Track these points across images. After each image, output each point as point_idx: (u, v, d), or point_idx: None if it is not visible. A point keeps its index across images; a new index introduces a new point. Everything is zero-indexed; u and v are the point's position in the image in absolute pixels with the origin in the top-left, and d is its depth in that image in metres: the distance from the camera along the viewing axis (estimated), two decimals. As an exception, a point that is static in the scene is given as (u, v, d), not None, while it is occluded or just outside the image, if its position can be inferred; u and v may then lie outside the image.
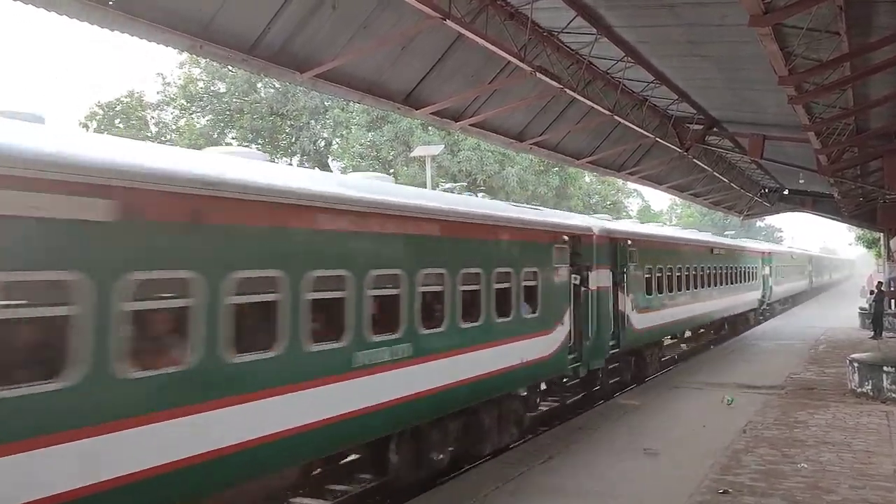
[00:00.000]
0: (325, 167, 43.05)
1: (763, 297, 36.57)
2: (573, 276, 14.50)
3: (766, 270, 37.27)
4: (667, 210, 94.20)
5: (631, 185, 60.35)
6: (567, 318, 14.12)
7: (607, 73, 17.29)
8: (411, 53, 14.37)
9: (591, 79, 16.93)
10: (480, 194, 19.15)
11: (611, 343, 16.57)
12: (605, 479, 9.95)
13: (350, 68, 13.56)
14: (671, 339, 23.90)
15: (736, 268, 29.83)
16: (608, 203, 59.23)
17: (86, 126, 41.35)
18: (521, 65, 14.06)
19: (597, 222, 17.21)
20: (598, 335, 15.71)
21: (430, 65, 15.03)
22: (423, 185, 29.51)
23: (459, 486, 10.20)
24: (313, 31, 12.30)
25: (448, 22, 11.62)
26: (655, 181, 30.65)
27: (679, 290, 21.41)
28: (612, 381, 17.66)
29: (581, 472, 10.39)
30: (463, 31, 12.27)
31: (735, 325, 31.67)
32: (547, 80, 15.05)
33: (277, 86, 42.59)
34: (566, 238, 14.15)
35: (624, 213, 62.72)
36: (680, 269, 21.59)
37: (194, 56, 40.20)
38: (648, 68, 16.67)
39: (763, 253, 37.53)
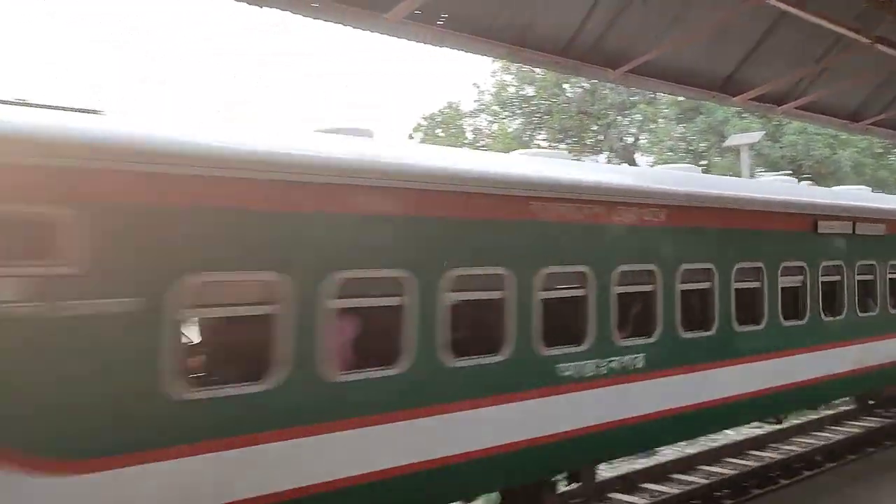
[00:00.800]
0: (632, 163, 42.61)
1: None
2: None
3: None
4: None
5: None
6: None
7: (968, 36, 14.91)
8: (727, 39, 13.68)
9: (946, 44, 14.74)
10: (806, 182, 17.61)
11: None
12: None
13: (661, 61, 13.32)
14: None
15: None
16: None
17: (412, 137, 45.45)
18: (856, 37, 12.73)
19: None
20: None
21: (747, 49, 14.18)
22: (739, 176, 27.86)
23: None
24: (624, 28, 12.29)
25: (770, 0, 10.93)
26: None
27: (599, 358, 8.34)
28: None
29: None
30: (787, 8, 11.45)
31: None
32: (890, 51, 13.44)
33: (585, 85, 43.07)
34: None
35: None
36: (593, 286, 8.41)
37: (505, 64, 42.25)
38: None
39: None
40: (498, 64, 43.88)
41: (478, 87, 50.51)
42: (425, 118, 47.51)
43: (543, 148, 44.38)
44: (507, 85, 46.91)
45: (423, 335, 6.73)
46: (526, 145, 44.33)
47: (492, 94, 47.38)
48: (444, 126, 47.17)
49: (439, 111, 47.77)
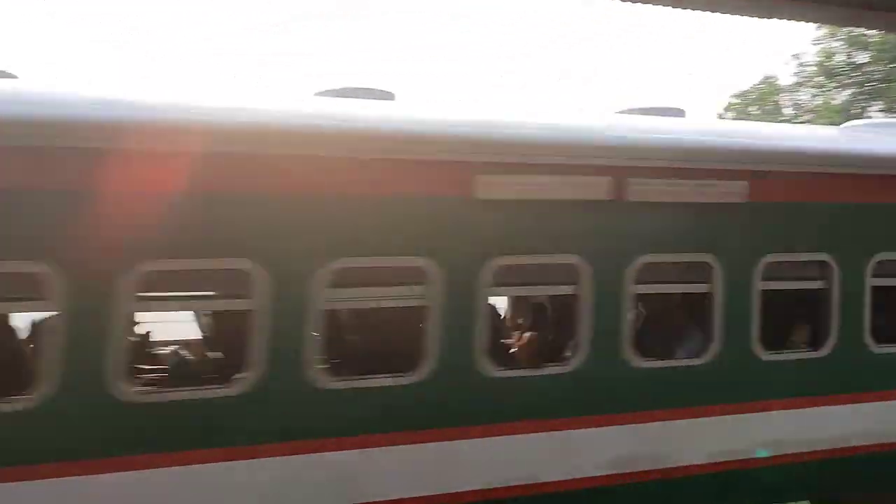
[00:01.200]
0: None
1: None
2: None
3: None
4: None
5: None
6: None
7: None
8: None
9: None
10: None
11: None
12: None
13: None
14: None
15: None
16: None
17: (722, 116, 43.00)
18: None
19: None
20: None
21: None
22: None
23: None
24: None
25: None
26: None
27: None
28: None
29: None
30: None
31: None
32: None
33: (935, 45, 37.35)
34: None
35: None
36: None
37: (833, 29, 38.03)
38: None
39: None
40: (822, 30, 39.63)
41: (797, 57, 46.20)
42: (737, 95, 44.73)
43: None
44: (835, 53, 42.25)
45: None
46: (855, 118, 39.68)
47: (815, 65, 43.01)
48: (760, 102, 43.95)
49: (752, 87, 44.64)
